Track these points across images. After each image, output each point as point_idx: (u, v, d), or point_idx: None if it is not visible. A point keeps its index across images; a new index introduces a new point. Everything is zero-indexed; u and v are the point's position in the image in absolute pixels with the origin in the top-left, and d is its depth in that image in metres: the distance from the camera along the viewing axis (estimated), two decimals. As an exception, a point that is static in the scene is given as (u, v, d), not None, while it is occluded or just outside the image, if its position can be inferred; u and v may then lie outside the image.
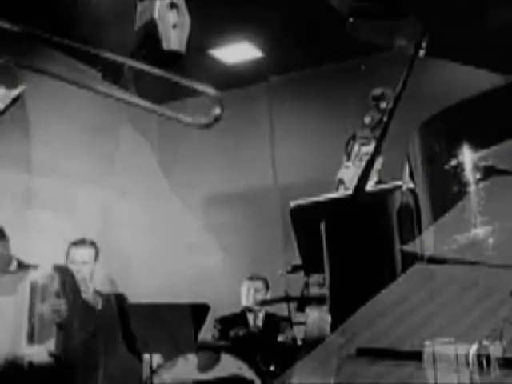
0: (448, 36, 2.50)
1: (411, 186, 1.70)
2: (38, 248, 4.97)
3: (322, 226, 1.98)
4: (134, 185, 6.77)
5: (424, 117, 1.63)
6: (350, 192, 2.21)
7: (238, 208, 6.85)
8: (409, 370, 2.79)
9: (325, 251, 1.97)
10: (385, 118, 2.42)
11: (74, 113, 6.10)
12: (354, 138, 3.74)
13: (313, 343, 2.83)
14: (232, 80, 6.83)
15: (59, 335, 3.59)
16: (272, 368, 4.63)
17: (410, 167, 1.73)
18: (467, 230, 1.49)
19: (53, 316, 3.60)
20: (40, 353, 3.56)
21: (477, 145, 1.51)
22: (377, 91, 2.67)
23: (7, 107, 3.03)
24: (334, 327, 2.03)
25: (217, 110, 1.87)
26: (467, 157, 1.52)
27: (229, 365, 4.38)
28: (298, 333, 4.64)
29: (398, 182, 1.88)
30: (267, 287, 5.42)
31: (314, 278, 3.06)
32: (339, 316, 1.96)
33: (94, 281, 4.51)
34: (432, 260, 1.57)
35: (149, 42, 1.90)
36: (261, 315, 5.32)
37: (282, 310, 5.04)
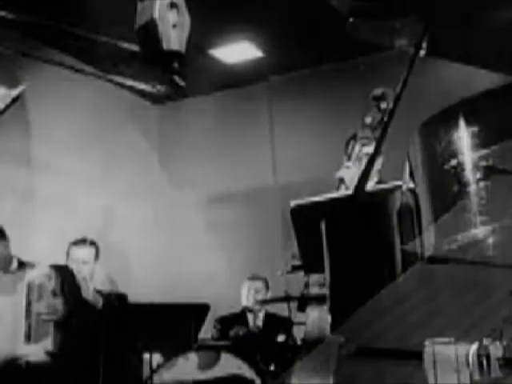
0: (448, 36, 2.50)
1: (411, 185, 1.70)
2: (37, 247, 4.97)
3: (323, 226, 1.99)
4: (134, 184, 6.77)
5: (424, 117, 1.63)
6: (350, 192, 2.21)
7: (238, 208, 6.85)
8: (409, 369, 2.80)
9: (325, 251, 1.97)
10: (385, 118, 2.42)
11: (74, 112, 6.10)
12: (354, 138, 3.74)
13: (313, 343, 2.83)
14: (232, 80, 6.83)
15: (57, 334, 3.59)
16: (272, 368, 4.63)
17: (410, 167, 1.73)
18: (467, 230, 1.49)
19: (49, 315, 3.61)
20: (37, 352, 3.57)
21: (477, 145, 1.51)
22: (377, 91, 2.67)
23: (7, 107, 3.03)
24: (333, 327, 2.03)
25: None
26: (467, 157, 1.52)
27: (229, 365, 4.38)
28: (298, 333, 4.64)
29: (398, 182, 1.88)
30: (267, 287, 5.42)
31: (314, 277, 3.06)
32: (339, 316, 1.96)
33: (94, 280, 4.51)
34: (432, 260, 1.57)
35: (149, 41, 1.90)
36: (261, 315, 5.32)
37: (282, 310, 5.04)
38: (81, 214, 5.78)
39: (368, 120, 2.66)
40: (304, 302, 3.02)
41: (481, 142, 1.51)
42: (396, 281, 1.73)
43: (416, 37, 2.36)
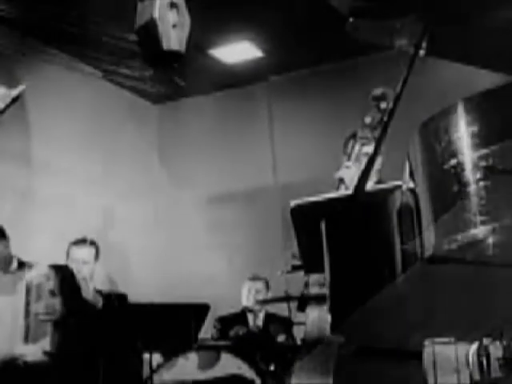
0: (448, 36, 2.50)
1: (411, 185, 1.70)
2: (37, 247, 4.96)
3: (323, 226, 1.98)
4: (134, 184, 6.77)
5: (424, 117, 1.63)
6: (350, 192, 2.21)
7: (238, 208, 6.85)
8: (409, 370, 2.80)
9: (325, 251, 1.97)
10: (385, 118, 2.42)
11: (74, 112, 6.10)
12: (354, 137, 3.74)
13: (313, 343, 2.83)
14: (232, 80, 6.83)
15: (55, 334, 3.58)
16: (272, 368, 4.63)
17: (410, 167, 1.73)
18: (467, 230, 1.49)
19: (47, 315, 3.60)
20: (35, 352, 3.56)
21: (477, 145, 1.51)
22: (377, 91, 2.67)
23: (7, 106, 3.03)
24: (333, 327, 2.03)
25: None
26: (467, 157, 1.52)
27: (229, 364, 4.38)
28: (298, 333, 4.64)
29: (398, 182, 1.88)
30: (268, 288, 5.42)
31: (314, 277, 3.06)
32: (339, 316, 1.96)
33: (94, 280, 4.51)
34: (432, 260, 1.57)
35: (149, 41, 1.90)
36: (261, 315, 5.32)
37: (282, 309, 5.04)
38: (81, 214, 5.78)
39: (368, 120, 2.66)
40: (304, 301, 3.02)
41: (481, 141, 1.50)
42: (396, 281, 1.73)
43: (416, 37, 2.36)
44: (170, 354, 4.47)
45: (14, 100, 3.06)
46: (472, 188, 1.50)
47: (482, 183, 1.49)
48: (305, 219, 2.38)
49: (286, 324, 4.99)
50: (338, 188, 3.77)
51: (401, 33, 2.42)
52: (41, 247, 5.03)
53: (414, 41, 2.37)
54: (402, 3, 2.41)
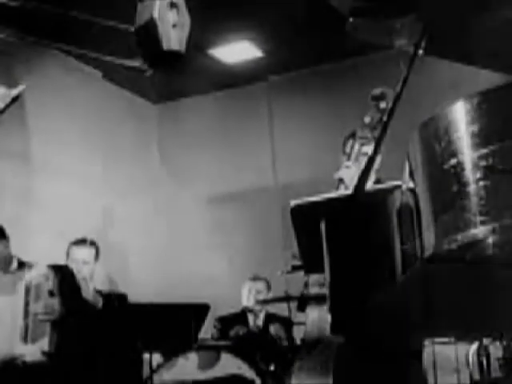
0: (448, 36, 2.50)
1: (411, 185, 1.70)
2: (37, 247, 4.97)
3: (322, 226, 1.98)
4: (134, 185, 6.77)
5: (424, 117, 1.63)
6: (349, 192, 2.21)
7: (238, 208, 6.85)
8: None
9: (325, 251, 1.97)
10: (385, 118, 2.42)
11: (73, 112, 6.10)
12: (353, 137, 3.75)
13: (313, 343, 2.83)
14: (232, 80, 6.83)
15: (53, 334, 3.58)
16: (272, 368, 4.63)
17: (410, 167, 1.73)
18: (467, 230, 1.49)
19: (46, 315, 3.60)
20: (33, 352, 3.56)
21: (477, 145, 1.51)
22: (376, 91, 2.67)
23: (7, 106, 3.03)
24: (333, 327, 2.03)
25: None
26: (467, 156, 1.52)
27: (229, 364, 4.38)
28: (298, 333, 4.64)
29: (398, 182, 1.88)
30: (269, 288, 5.41)
31: (314, 277, 3.06)
32: (339, 316, 1.96)
33: (94, 280, 4.51)
34: (432, 260, 1.57)
35: (149, 41, 1.90)
36: (261, 315, 5.32)
37: (282, 309, 5.04)
38: (80, 214, 5.78)
39: (367, 120, 2.66)
40: (304, 302, 3.02)
41: (481, 141, 1.50)
42: (396, 281, 1.73)
43: (415, 36, 2.36)
44: (170, 354, 4.48)
45: (14, 100, 3.05)
46: (472, 188, 1.50)
47: (481, 183, 1.49)
48: (305, 219, 2.38)
49: (286, 324, 4.99)
50: (337, 188, 3.77)
51: (401, 33, 2.42)
52: (40, 247, 5.03)
53: (414, 41, 2.37)
54: (402, 3, 2.41)
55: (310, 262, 2.53)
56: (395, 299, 1.81)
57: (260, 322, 5.29)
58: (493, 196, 1.47)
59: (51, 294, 3.63)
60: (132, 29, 1.93)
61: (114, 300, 4.35)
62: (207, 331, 4.85)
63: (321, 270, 1.98)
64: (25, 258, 4.11)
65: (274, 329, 5.04)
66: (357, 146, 2.80)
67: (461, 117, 1.54)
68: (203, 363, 4.44)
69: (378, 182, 2.79)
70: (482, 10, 2.33)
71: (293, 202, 2.45)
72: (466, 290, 1.77)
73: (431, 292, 1.77)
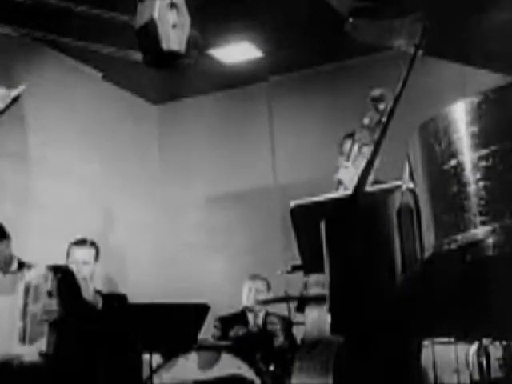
0: (448, 36, 2.50)
1: (411, 186, 1.70)
2: (36, 247, 4.97)
3: (322, 226, 1.98)
4: (134, 185, 6.77)
5: (424, 117, 1.63)
6: (349, 192, 2.21)
7: (238, 208, 6.85)
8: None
9: (325, 251, 1.97)
10: (384, 119, 2.42)
11: (73, 112, 6.10)
12: (349, 137, 3.77)
13: (312, 343, 2.83)
14: (232, 80, 6.83)
15: (51, 335, 3.57)
16: (272, 368, 4.63)
17: (410, 168, 1.73)
18: (467, 230, 1.49)
19: (45, 315, 3.60)
20: (31, 353, 3.55)
21: (477, 145, 1.51)
22: (376, 92, 2.67)
23: (7, 107, 3.03)
24: (333, 327, 2.03)
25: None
26: (467, 157, 1.52)
27: (229, 364, 4.39)
28: (298, 333, 4.64)
29: (398, 182, 1.88)
30: (269, 288, 5.42)
31: (314, 277, 3.06)
32: (339, 316, 1.96)
33: (94, 281, 4.51)
34: (432, 260, 1.57)
35: (149, 42, 1.90)
36: (261, 315, 5.32)
37: (282, 309, 5.04)
38: (80, 214, 5.77)
39: (366, 121, 2.66)
40: (303, 302, 3.02)
41: (481, 142, 1.50)
42: (396, 281, 1.73)
43: (415, 37, 2.36)
44: (170, 354, 4.48)
45: (14, 100, 3.05)
46: (472, 188, 1.50)
47: (481, 183, 1.49)
48: (305, 219, 2.38)
49: (286, 324, 4.99)
50: (337, 189, 3.77)
51: (400, 33, 2.43)
52: (39, 247, 5.03)
53: (414, 41, 2.37)
54: (402, 3, 2.41)
55: (309, 262, 2.53)
56: (395, 299, 1.81)
57: (260, 322, 5.29)
58: (493, 196, 1.48)
59: (50, 294, 3.63)
60: (132, 21, 1.93)
61: (114, 300, 4.35)
62: (207, 331, 4.85)
63: (321, 271, 1.98)
64: (23, 259, 4.11)
65: (269, 320, 5.03)
66: (356, 147, 2.80)
67: (461, 117, 1.54)
68: (203, 363, 4.45)
69: (375, 182, 2.78)
70: (482, 11, 2.33)
71: (293, 203, 2.45)
72: (466, 290, 1.77)
73: (431, 292, 1.77)
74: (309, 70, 6.73)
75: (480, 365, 4.53)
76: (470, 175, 1.51)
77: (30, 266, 3.94)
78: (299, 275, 3.21)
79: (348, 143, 3.72)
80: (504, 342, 4.27)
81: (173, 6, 1.91)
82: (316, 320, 2.86)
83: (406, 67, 2.32)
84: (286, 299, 4.77)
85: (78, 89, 6.16)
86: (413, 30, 2.36)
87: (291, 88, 6.84)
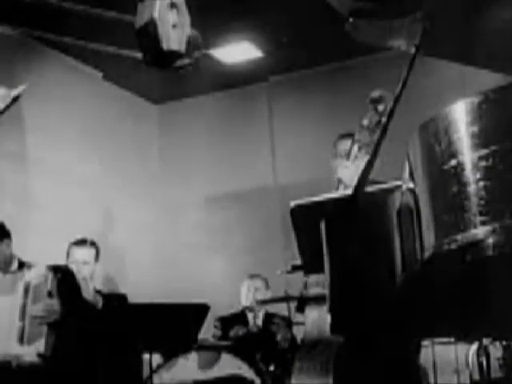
0: (448, 36, 2.50)
1: (411, 186, 1.70)
2: (35, 248, 4.96)
3: (322, 226, 1.98)
4: (134, 185, 6.77)
5: (424, 117, 1.63)
6: (349, 192, 2.21)
7: (238, 208, 6.85)
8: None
9: (325, 251, 1.97)
10: (383, 119, 2.42)
11: (73, 113, 6.10)
12: (343, 138, 3.78)
13: (312, 343, 2.83)
14: (232, 80, 6.83)
15: (50, 336, 3.56)
16: (272, 368, 4.63)
17: (410, 168, 1.73)
18: (467, 230, 1.49)
19: (46, 315, 3.59)
20: (29, 354, 3.54)
21: (477, 145, 1.51)
22: (375, 94, 2.67)
23: (7, 107, 3.03)
24: (333, 327, 2.03)
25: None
26: (467, 157, 1.52)
27: (229, 364, 4.39)
28: (298, 333, 4.64)
29: (398, 182, 1.88)
30: (267, 286, 5.43)
31: (314, 277, 3.06)
32: (339, 316, 1.96)
33: (94, 281, 4.51)
34: (432, 260, 1.57)
35: (149, 42, 1.90)
36: (261, 315, 5.32)
37: (282, 309, 5.05)
38: (80, 214, 5.78)
39: (365, 122, 2.66)
40: (303, 302, 3.02)
41: (481, 142, 1.50)
42: (396, 281, 1.73)
43: (416, 37, 2.36)
44: (170, 354, 4.48)
45: (14, 100, 3.05)
46: (472, 188, 1.50)
47: (482, 183, 1.49)
48: (304, 219, 2.38)
49: (286, 324, 4.99)
50: (337, 188, 3.77)
51: (400, 33, 2.42)
52: (39, 247, 5.03)
53: (414, 41, 2.37)
54: (402, 3, 2.41)
55: (309, 263, 2.53)
56: (395, 299, 1.81)
57: (260, 322, 5.30)
58: (493, 196, 1.48)
59: (50, 294, 3.62)
60: (132, 19, 1.93)
61: (114, 300, 4.35)
62: (207, 331, 4.85)
63: (321, 271, 1.98)
64: (24, 258, 4.11)
65: (275, 327, 5.03)
66: (356, 147, 2.80)
67: (461, 117, 1.54)
68: (203, 363, 4.45)
69: (373, 182, 2.78)
70: (482, 11, 2.33)
71: (293, 203, 2.45)
72: (466, 290, 1.77)
73: (431, 292, 1.77)
74: (309, 70, 6.73)
75: (480, 365, 4.53)
76: (470, 175, 1.51)
77: (30, 266, 3.94)
78: (299, 275, 3.21)
79: (342, 144, 3.74)
80: (504, 342, 4.27)
81: (173, 5, 1.91)
82: (316, 320, 2.86)
83: (406, 67, 2.32)
84: (285, 299, 4.78)
85: (78, 88, 6.16)
86: (412, 31, 2.36)
87: (291, 88, 6.84)
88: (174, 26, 1.92)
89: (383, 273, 1.78)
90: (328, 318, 1.96)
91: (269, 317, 5.31)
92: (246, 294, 5.37)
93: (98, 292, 4.37)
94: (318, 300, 2.84)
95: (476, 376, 4.63)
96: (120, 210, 6.39)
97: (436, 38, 2.46)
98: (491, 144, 1.49)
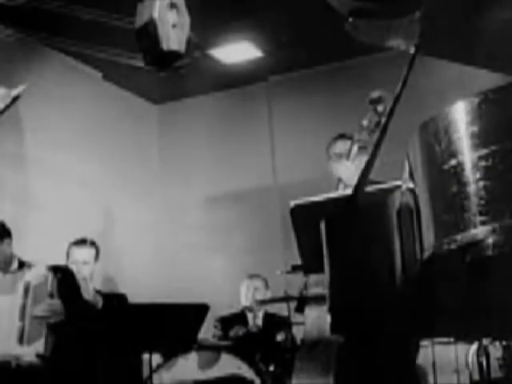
0: (448, 36, 2.50)
1: (411, 186, 1.70)
2: (37, 248, 4.96)
3: (322, 226, 1.98)
4: (134, 185, 6.77)
5: (424, 117, 1.63)
6: (349, 192, 2.21)
7: (238, 208, 6.85)
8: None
9: (325, 251, 1.97)
10: (383, 120, 2.42)
11: (73, 113, 6.10)
12: (337, 139, 3.79)
13: (312, 343, 2.83)
14: (232, 80, 6.83)
15: (50, 336, 3.55)
16: (271, 368, 4.63)
17: (410, 168, 1.73)
18: (467, 230, 1.49)
19: (49, 316, 3.58)
20: (29, 354, 3.53)
21: (477, 145, 1.51)
22: (374, 94, 2.67)
23: (7, 107, 3.03)
24: (333, 327, 2.03)
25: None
26: (467, 157, 1.52)
27: (228, 364, 4.39)
28: (298, 333, 4.64)
29: (398, 182, 1.88)
30: (267, 286, 5.43)
31: (314, 278, 3.06)
32: (339, 316, 1.96)
33: (94, 281, 4.51)
34: (432, 260, 1.57)
35: (149, 41, 1.90)
36: (260, 315, 5.32)
37: (281, 310, 5.04)
38: (79, 214, 5.77)
39: (365, 123, 2.66)
40: (303, 302, 3.02)
41: (481, 142, 1.50)
42: (395, 281, 1.73)
43: (415, 37, 2.36)
44: (170, 354, 4.47)
45: (14, 100, 3.05)
46: (472, 188, 1.50)
47: (481, 183, 1.49)
48: (304, 219, 2.38)
49: (285, 324, 4.99)
50: (337, 188, 3.78)
51: (400, 33, 2.43)
52: (39, 247, 5.02)
53: (414, 41, 2.37)
54: (402, 3, 2.41)
55: (309, 263, 2.53)
56: (395, 299, 1.81)
57: (259, 322, 5.30)
58: (493, 196, 1.48)
59: (51, 295, 3.62)
60: (133, 26, 1.94)
61: (114, 300, 4.35)
62: (207, 331, 4.85)
63: (321, 271, 1.98)
64: (23, 258, 4.11)
65: (280, 337, 5.01)
66: (355, 147, 2.80)
67: (461, 117, 1.54)
68: (203, 363, 4.45)
69: (371, 182, 2.78)
70: (482, 11, 2.33)
71: (293, 202, 2.45)
72: (466, 290, 1.77)
73: (431, 292, 1.77)
74: (309, 70, 6.73)
75: (480, 365, 4.53)
76: (470, 175, 1.51)
77: (30, 266, 3.93)
78: (299, 275, 3.21)
79: (336, 146, 3.76)
80: (504, 342, 4.27)
81: (173, 6, 1.92)
82: (316, 320, 2.86)
83: (406, 67, 2.32)
84: (285, 299, 4.78)
85: (78, 89, 6.16)
86: (412, 31, 2.36)
87: (291, 88, 6.84)
88: (174, 26, 1.93)
89: (383, 273, 1.78)
90: (328, 317, 1.96)
91: (268, 317, 5.32)
92: (246, 294, 5.38)
93: (97, 292, 4.37)
94: (318, 300, 2.84)
95: (476, 376, 4.63)
96: (120, 209, 6.39)
97: (436, 38, 2.46)
98: (491, 144, 1.49)
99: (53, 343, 3.55)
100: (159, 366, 4.45)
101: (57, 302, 3.62)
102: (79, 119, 6.15)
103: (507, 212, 1.45)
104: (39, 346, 3.52)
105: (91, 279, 4.42)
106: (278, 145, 6.90)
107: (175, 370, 4.44)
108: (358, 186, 2.14)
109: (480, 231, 1.47)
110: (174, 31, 1.89)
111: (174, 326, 3.95)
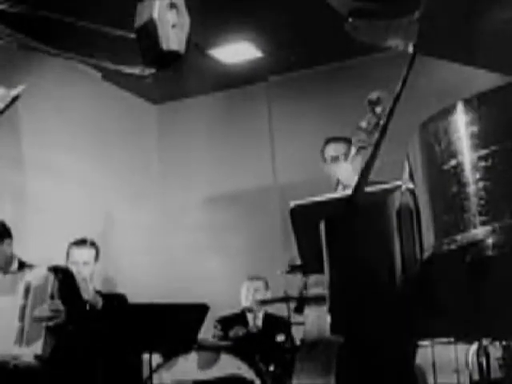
0: (448, 36, 2.50)
1: (411, 186, 1.70)
2: (37, 248, 4.96)
3: (322, 227, 1.98)
4: (134, 185, 6.77)
5: (423, 117, 1.63)
6: (349, 192, 2.21)
7: (238, 208, 6.85)
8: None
9: (324, 251, 1.97)
10: (382, 121, 2.42)
11: (73, 113, 6.10)
12: (329, 142, 3.80)
13: (312, 343, 2.83)
14: (231, 80, 6.83)
15: (48, 338, 3.54)
16: (271, 368, 4.63)
17: (410, 168, 1.73)
18: (467, 230, 1.49)
19: (52, 317, 3.57)
20: (27, 355, 3.52)
21: (477, 145, 1.51)
22: (373, 96, 2.67)
23: (7, 107, 3.02)
24: (333, 327, 2.03)
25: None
26: (467, 157, 1.52)
27: (228, 365, 4.39)
28: (298, 333, 4.64)
29: (398, 182, 1.88)
30: (267, 287, 5.44)
31: (314, 278, 3.06)
32: (339, 316, 1.96)
33: (94, 281, 4.51)
34: (431, 261, 1.57)
35: (148, 42, 1.90)
36: (260, 315, 5.33)
37: (281, 310, 5.04)
38: (80, 215, 5.77)
39: (363, 124, 2.66)
40: (303, 303, 3.03)
41: (480, 142, 1.50)
42: (395, 281, 1.73)
43: (412, 37, 2.36)
44: (170, 354, 4.47)
45: (14, 100, 3.04)
46: (472, 188, 1.50)
47: (481, 183, 1.49)
48: (304, 219, 2.38)
49: (285, 324, 4.99)
50: (336, 187, 3.78)
51: (400, 33, 2.43)
52: (39, 247, 5.02)
53: (414, 41, 2.37)
54: (402, 3, 2.41)
55: (309, 263, 2.53)
56: (395, 299, 1.81)
57: (259, 322, 5.30)
58: (493, 196, 1.48)
59: (52, 296, 3.61)
60: (131, 35, 1.93)
61: (114, 300, 4.35)
62: (207, 331, 4.85)
63: (320, 271, 1.98)
64: (23, 259, 4.11)
65: (280, 337, 5.01)
66: (353, 149, 2.80)
67: (460, 117, 1.54)
68: (203, 363, 4.45)
69: (371, 183, 2.79)
70: (482, 11, 2.33)
71: (292, 203, 2.45)
72: (466, 290, 1.77)
73: (431, 292, 1.77)
74: (309, 70, 6.73)
75: (480, 365, 4.53)
76: (470, 175, 1.51)
77: (30, 266, 3.93)
78: (299, 276, 3.21)
79: (329, 148, 3.78)
80: (504, 342, 4.27)
81: (172, 6, 1.91)
82: (316, 320, 2.86)
83: (406, 67, 2.32)
84: (285, 299, 4.78)
85: (77, 89, 6.16)
86: (411, 30, 2.36)
87: (291, 88, 6.83)
88: (174, 27, 1.92)
89: (383, 273, 1.78)
90: (328, 317, 1.96)
91: (268, 317, 5.32)
92: (246, 295, 5.38)
93: (97, 292, 4.37)
94: (318, 300, 2.84)
95: (476, 376, 4.63)
96: (120, 210, 6.38)
97: (436, 38, 2.46)
98: (491, 144, 1.49)
99: (52, 344, 3.54)
100: (159, 366, 4.45)
101: (58, 304, 3.61)
102: (78, 119, 6.15)
103: (507, 212, 1.45)
104: (37, 347, 3.51)
105: (91, 280, 4.41)
106: (277, 145, 6.90)
107: (175, 369, 4.45)
108: (358, 187, 2.14)
109: (480, 231, 1.47)
110: (173, 31, 1.89)
111: (174, 326, 3.95)
